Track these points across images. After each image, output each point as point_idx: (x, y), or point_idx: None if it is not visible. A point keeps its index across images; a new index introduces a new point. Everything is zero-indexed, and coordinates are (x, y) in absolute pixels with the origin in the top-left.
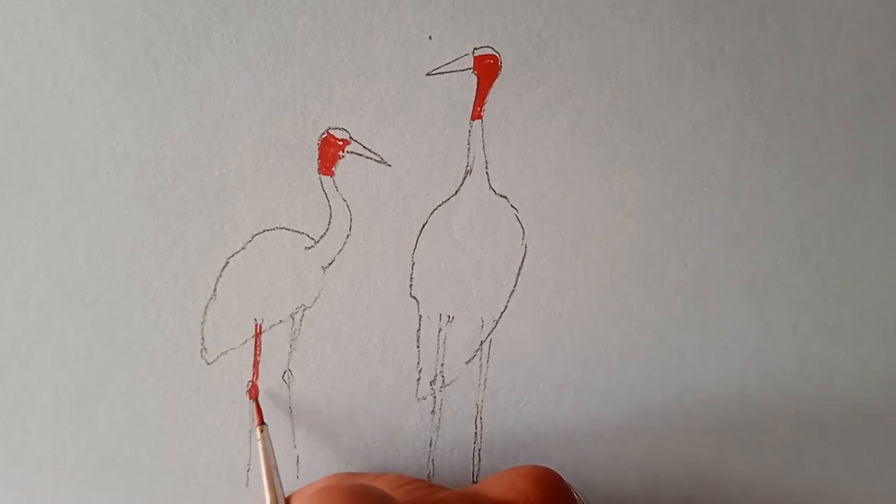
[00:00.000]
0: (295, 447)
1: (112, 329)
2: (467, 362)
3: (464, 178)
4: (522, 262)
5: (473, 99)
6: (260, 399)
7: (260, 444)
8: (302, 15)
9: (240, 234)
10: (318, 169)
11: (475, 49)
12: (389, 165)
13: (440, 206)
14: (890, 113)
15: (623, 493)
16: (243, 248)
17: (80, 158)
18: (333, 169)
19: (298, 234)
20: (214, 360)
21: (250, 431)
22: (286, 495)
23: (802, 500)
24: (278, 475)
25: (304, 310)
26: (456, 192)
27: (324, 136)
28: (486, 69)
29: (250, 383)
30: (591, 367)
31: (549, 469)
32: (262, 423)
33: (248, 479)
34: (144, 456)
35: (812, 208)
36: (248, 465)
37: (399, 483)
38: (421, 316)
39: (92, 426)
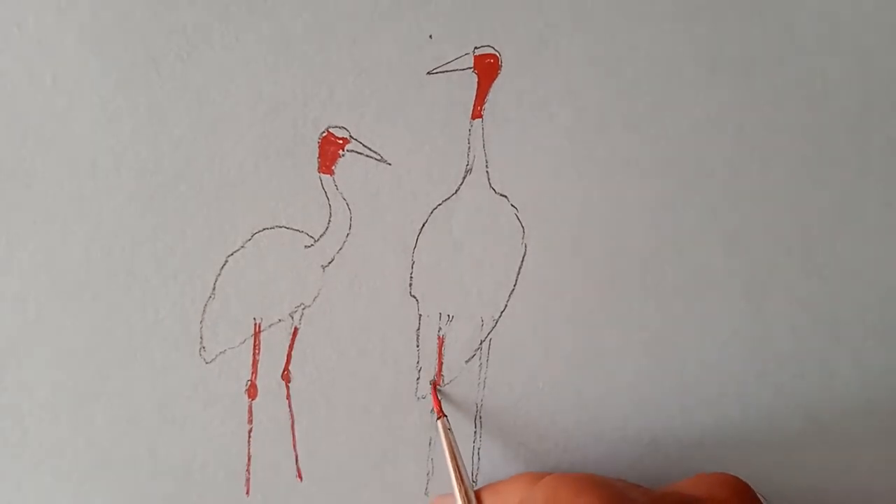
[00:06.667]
0: (294, 447)
1: (110, 327)
2: (467, 361)
3: (464, 177)
4: (522, 261)
5: (474, 98)
6: (258, 399)
7: (443, 436)
8: (302, 13)
9: (239, 233)
10: (318, 167)
11: (475, 48)
12: (389, 164)
13: (440, 205)
14: (890, 113)
15: None
16: (243, 247)
17: (79, 156)
18: (333, 167)
19: (298, 233)
20: (213, 359)
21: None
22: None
23: (801, 500)
24: (465, 468)
25: (303, 309)
26: (456, 191)
27: (324, 134)
28: (487, 68)
29: (249, 382)
30: (590, 367)
31: (742, 479)
32: (441, 414)
33: (247, 478)
34: (142, 455)
35: (811, 208)
36: (248, 464)
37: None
38: (420, 315)
39: (90, 425)
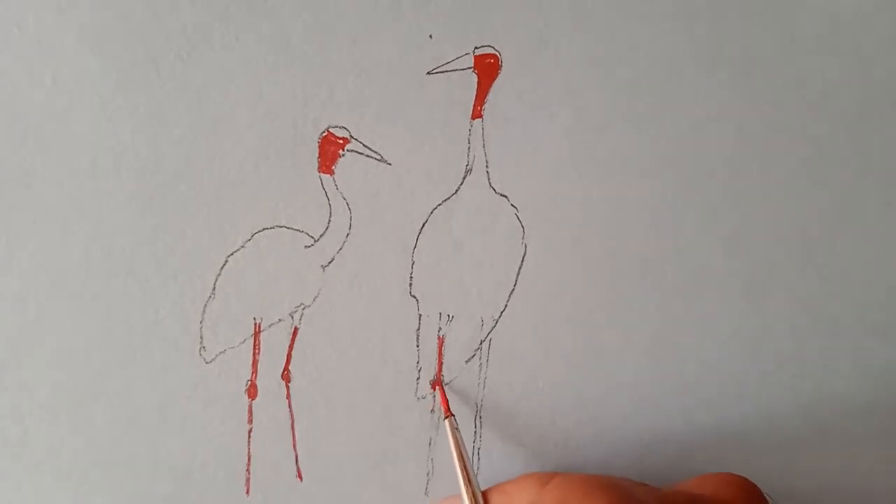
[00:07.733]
0: (294, 447)
1: (110, 327)
2: (467, 361)
3: (464, 177)
4: (522, 261)
5: (474, 98)
6: (258, 399)
7: (450, 436)
8: (302, 13)
9: (239, 233)
10: (318, 167)
11: (475, 48)
12: (389, 164)
13: (440, 204)
14: (889, 112)
15: None
16: (243, 247)
17: (79, 156)
18: (333, 167)
19: (298, 233)
20: (213, 359)
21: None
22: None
23: (801, 500)
24: (473, 469)
25: (303, 309)
26: (456, 190)
27: (324, 134)
28: (487, 68)
29: (249, 382)
30: (590, 367)
31: (748, 479)
32: (449, 413)
33: (247, 478)
34: (142, 455)
35: (811, 208)
36: (248, 464)
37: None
38: (420, 315)
39: (90, 425)
